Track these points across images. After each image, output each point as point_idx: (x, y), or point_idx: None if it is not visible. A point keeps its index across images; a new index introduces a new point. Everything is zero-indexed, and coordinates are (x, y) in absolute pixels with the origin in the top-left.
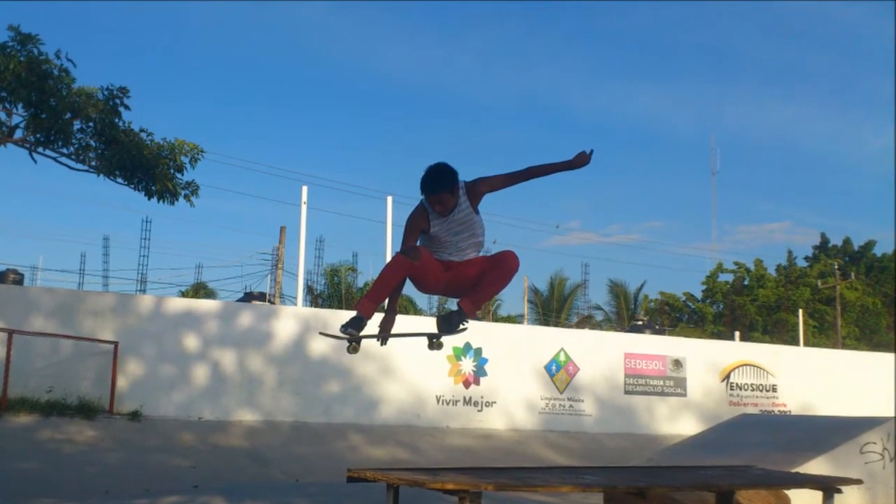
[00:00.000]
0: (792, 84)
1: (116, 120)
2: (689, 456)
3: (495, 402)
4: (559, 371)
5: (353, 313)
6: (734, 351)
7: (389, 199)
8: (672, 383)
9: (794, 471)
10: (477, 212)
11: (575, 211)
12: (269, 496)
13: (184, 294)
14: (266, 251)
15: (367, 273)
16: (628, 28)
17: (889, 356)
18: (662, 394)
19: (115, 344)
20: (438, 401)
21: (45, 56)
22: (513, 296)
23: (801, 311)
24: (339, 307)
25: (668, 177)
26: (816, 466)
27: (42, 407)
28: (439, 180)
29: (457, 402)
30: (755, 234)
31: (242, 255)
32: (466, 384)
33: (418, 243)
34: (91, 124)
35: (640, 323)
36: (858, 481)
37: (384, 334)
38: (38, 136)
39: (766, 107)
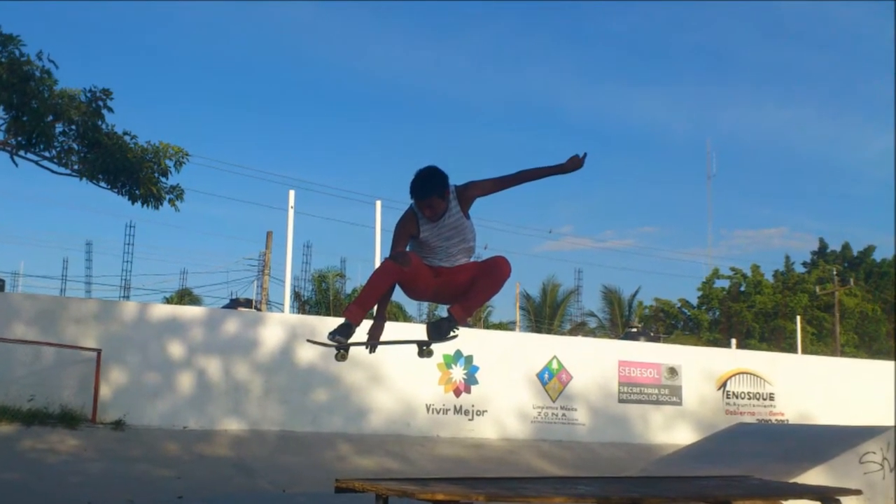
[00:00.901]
0: (790, 86)
1: (99, 122)
2: (685, 466)
3: (486, 411)
4: (552, 379)
5: (341, 320)
6: (730, 359)
7: (378, 203)
8: (667, 392)
9: (791, 481)
10: (468, 216)
11: (568, 216)
12: None
13: (168, 300)
14: (252, 257)
15: (356, 279)
16: (622, 29)
17: (889, 364)
18: (657, 402)
19: (98, 351)
20: (428, 409)
21: (27, 57)
22: (504, 302)
23: (798, 318)
24: (327, 314)
25: (663, 181)
26: (815, 476)
27: (23, 416)
28: (429, 184)
29: (447, 410)
30: (752, 240)
31: (228, 260)
32: (457, 392)
33: (408, 249)
34: (73, 127)
35: (634, 330)
36: (857, 492)
37: (373, 342)
38: (19, 139)
39: (764, 109)
